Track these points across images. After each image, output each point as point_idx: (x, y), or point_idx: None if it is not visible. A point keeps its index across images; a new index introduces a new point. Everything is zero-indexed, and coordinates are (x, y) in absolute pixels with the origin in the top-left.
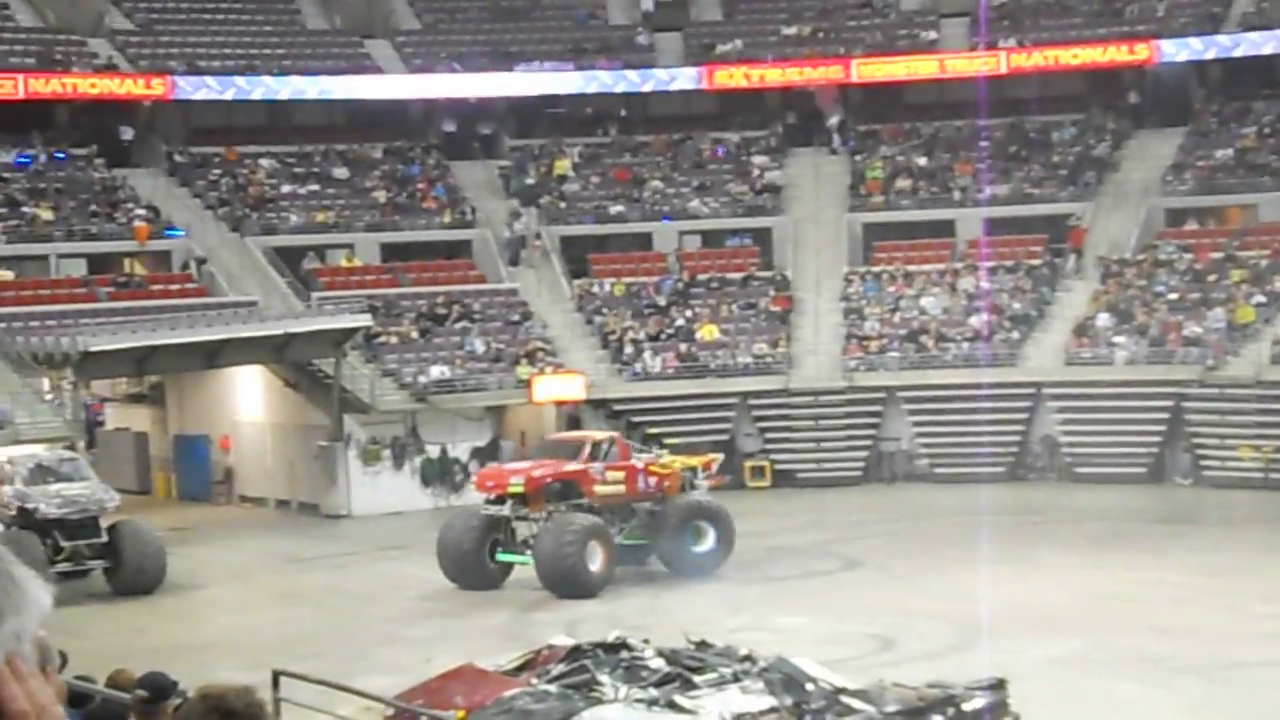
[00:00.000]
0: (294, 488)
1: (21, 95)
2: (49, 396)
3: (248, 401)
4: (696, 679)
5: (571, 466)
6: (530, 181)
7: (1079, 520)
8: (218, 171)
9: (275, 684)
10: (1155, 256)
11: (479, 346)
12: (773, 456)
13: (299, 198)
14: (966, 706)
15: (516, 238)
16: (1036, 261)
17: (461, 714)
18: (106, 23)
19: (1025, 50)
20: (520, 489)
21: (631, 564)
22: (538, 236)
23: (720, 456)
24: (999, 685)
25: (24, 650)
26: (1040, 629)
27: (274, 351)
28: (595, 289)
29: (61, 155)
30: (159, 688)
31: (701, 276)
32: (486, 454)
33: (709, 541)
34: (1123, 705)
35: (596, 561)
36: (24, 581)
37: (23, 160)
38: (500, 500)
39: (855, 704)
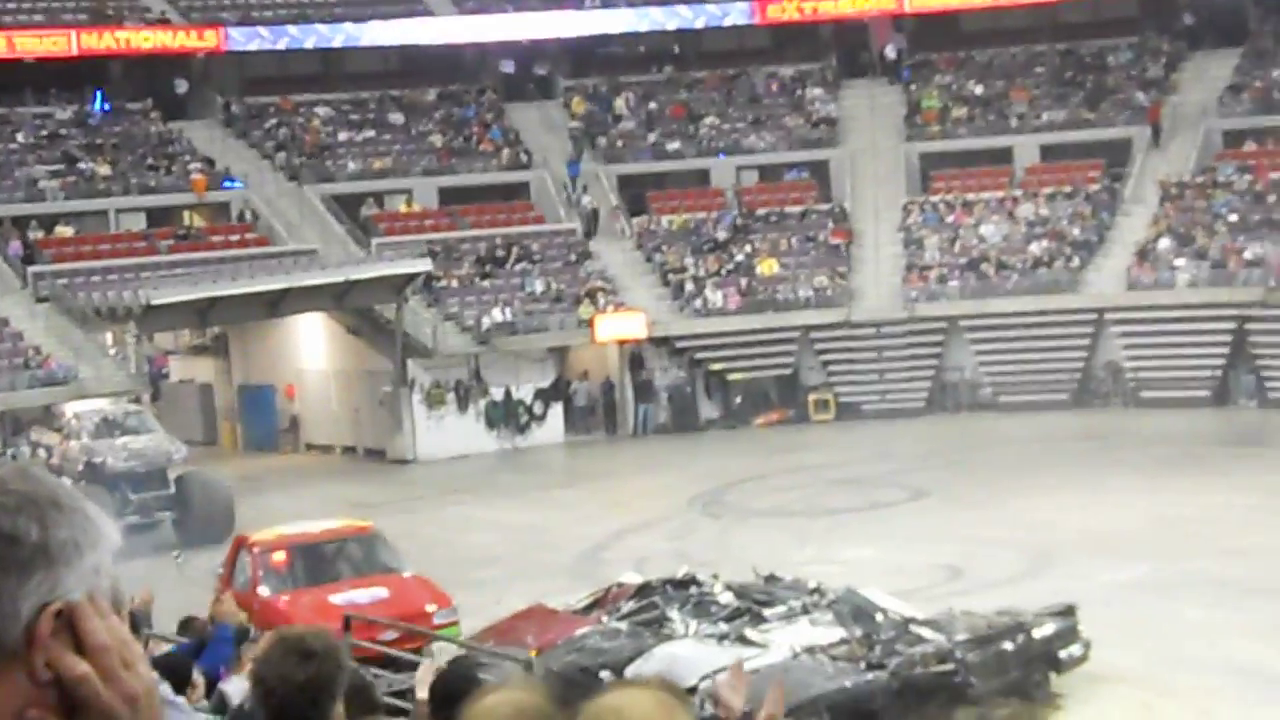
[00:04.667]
0: (359, 434)
1: (75, 51)
2: (112, 351)
3: (310, 349)
4: (766, 613)
5: None
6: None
7: (1145, 445)
8: (273, 121)
9: (347, 627)
10: (1214, 179)
11: (539, 287)
12: (836, 389)
13: (355, 145)
14: (1037, 633)
15: (590, 210)
16: (1095, 186)
17: (534, 653)
18: None
19: None
20: None
21: None
22: (615, 207)
23: None
24: (1069, 611)
25: (103, 585)
26: (1108, 554)
27: (335, 299)
28: (654, 226)
29: (108, 108)
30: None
31: (760, 211)
32: (551, 395)
33: None
34: (1193, 628)
35: None
36: (95, 516)
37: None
38: None
39: (925, 633)
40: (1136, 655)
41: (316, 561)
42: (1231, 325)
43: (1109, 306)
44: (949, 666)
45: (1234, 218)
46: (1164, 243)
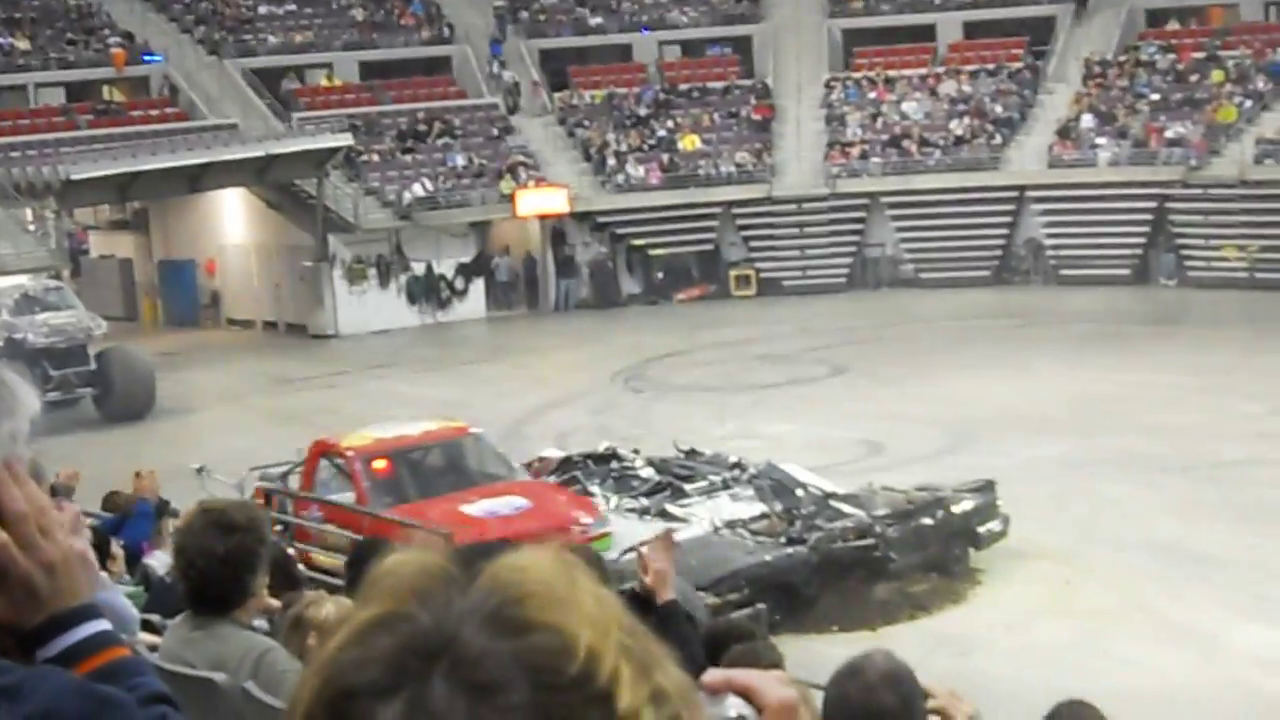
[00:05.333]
0: (280, 309)
1: None
2: (32, 226)
3: (232, 224)
4: (687, 487)
5: None
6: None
7: (1065, 323)
8: None
9: (268, 502)
10: (1137, 57)
11: (460, 162)
12: (757, 265)
13: (276, 18)
14: (956, 509)
15: (512, 85)
16: (1018, 64)
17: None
18: None
19: None
20: None
21: None
22: (536, 82)
23: None
24: (988, 487)
25: (19, 452)
26: (1028, 431)
27: (256, 174)
28: (576, 101)
29: None
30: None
31: (682, 86)
32: (473, 270)
33: None
34: (1111, 504)
35: None
36: (14, 384)
37: None
38: None
39: (845, 508)
40: (1056, 532)
41: (424, 469)
42: (1152, 204)
43: (1030, 184)
44: (869, 541)
45: (1156, 97)
46: (1086, 121)
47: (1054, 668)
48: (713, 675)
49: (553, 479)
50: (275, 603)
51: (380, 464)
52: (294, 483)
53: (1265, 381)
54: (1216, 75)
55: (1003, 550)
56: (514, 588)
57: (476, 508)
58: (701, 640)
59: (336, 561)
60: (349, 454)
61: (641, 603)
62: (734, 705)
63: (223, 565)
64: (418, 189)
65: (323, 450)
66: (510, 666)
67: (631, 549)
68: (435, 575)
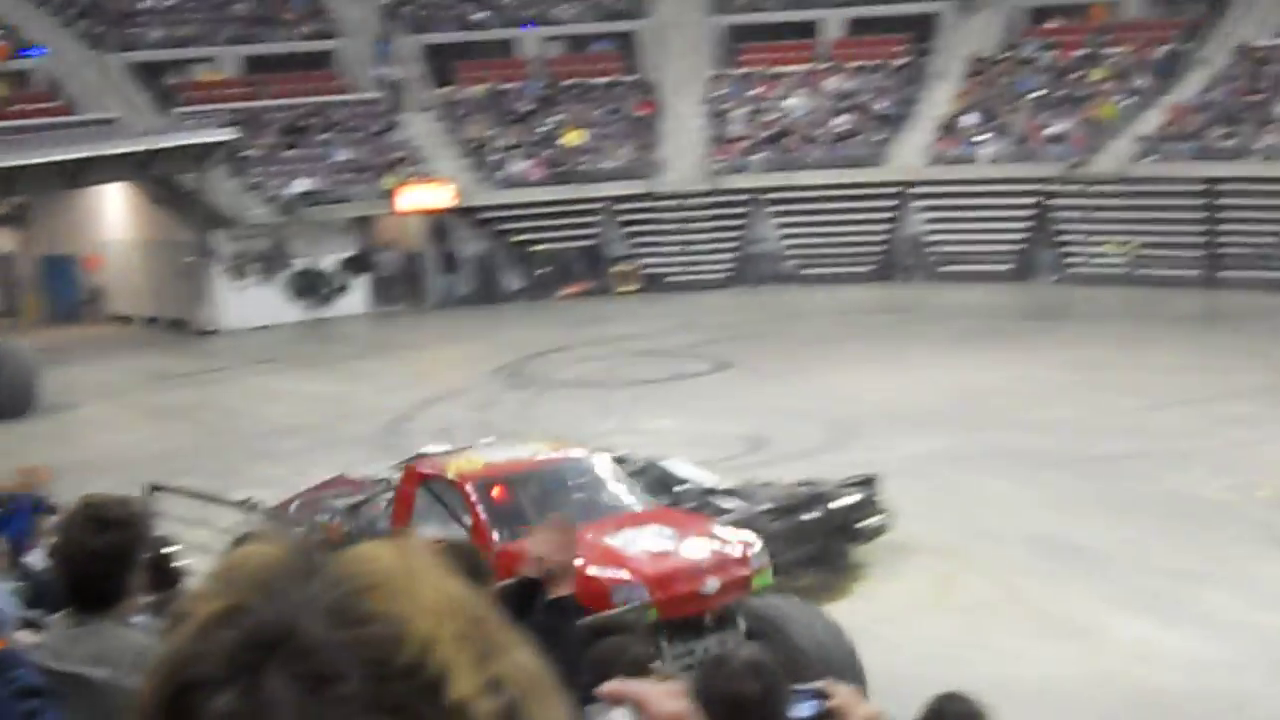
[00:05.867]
0: (162, 304)
1: None
2: None
3: (114, 220)
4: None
5: None
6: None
7: (947, 318)
8: None
9: (151, 498)
10: (1019, 55)
11: (343, 157)
12: (640, 261)
13: (158, 12)
14: (837, 504)
15: (395, 80)
16: (901, 61)
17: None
18: None
19: None
20: None
21: None
22: (420, 77)
23: None
24: (869, 482)
25: None
26: (910, 426)
27: (137, 168)
28: (459, 97)
29: None
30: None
31: (565, 82)
32: (355, 265)
33: None
34: (991, 499)
35: None
36: None
37: None
38: None
39: (727, 503)
40: (937, 527)
41: (545, 496)
42: (1033, 200)
43: (912, 180)
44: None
45: (1037, 94)
46: (967, 118)
47: (935, 661)
48: (609, 686)
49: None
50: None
51: (496, 492)
52: (357, 512)
53: (1144, 376)
54: (1097, 73)
55: (884, 545)
56: (354, 580)
57: (622, 541)
58: (583, 635)
59: None
60: (461, 482)
61: (530, 594)
62: (620, 715)
63: (99, 561)
64: (300, 184)
65: (421, 478)
66: (345, 657)
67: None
68: (278, 568)
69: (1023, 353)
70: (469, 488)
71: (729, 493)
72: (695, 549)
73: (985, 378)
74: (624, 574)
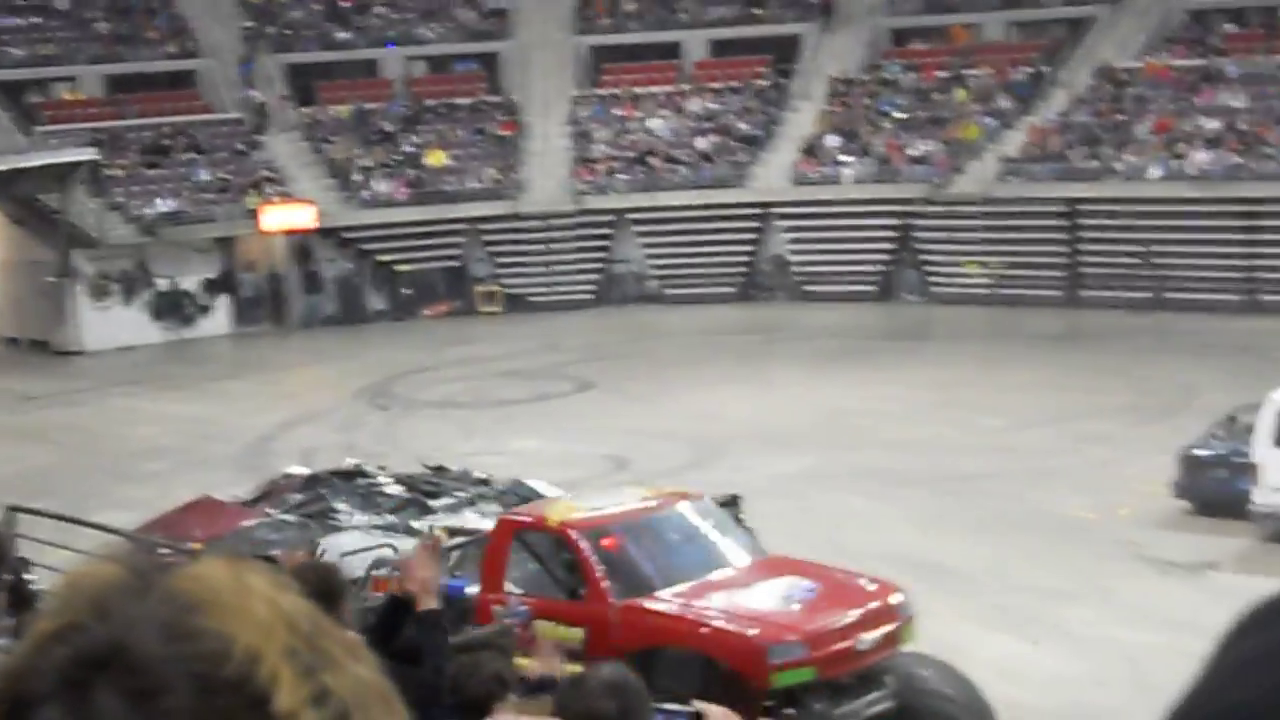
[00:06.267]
0: (24, 325)
1: None
2: None
3: None
4: (432, 503)
5: None
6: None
7: (810, 338)
8: None
9: (11, 520)
10: (881, 76)
11: (206, 177)
12: (504, 281)
13: (20, 30)
14: None
15: (259, 101)
16: (763, 82)
17: (199, 546)
18: None
19: None
20: None
21: None
22: (284, 97)
23: None
24: (733, 501)
25: None
26: (774, 445)
27: None
28: (322, 117)
29: None
30: None
31: (429, 102)
32: (218, 286)
33: None
34: (854, 518)
35: None
36: None
37: None
38: None
39: None
40: (801, 545)
41: (660, 545)
42: (895, 221)
43: (775, 201)
44: None
45: (900, 115)
46: (830, 139)
47: None
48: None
49: (296, 496)
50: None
51: (607, 543)
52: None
53: (1005, 396)
54: (960, 94)
55: None
56: (186, 596)
57: (766, 596)
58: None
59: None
60: (568, 532)
61: (402, 609)
62: None
63: None
64: (163, 204)
65: (514, 529)
66: (173, 672)
67: (376, 566)
68: (114, 587)
69: (886, 372)
70: (578, 538)
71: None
72: (843, 601)
73: (849, 397)
74: (786, 634)
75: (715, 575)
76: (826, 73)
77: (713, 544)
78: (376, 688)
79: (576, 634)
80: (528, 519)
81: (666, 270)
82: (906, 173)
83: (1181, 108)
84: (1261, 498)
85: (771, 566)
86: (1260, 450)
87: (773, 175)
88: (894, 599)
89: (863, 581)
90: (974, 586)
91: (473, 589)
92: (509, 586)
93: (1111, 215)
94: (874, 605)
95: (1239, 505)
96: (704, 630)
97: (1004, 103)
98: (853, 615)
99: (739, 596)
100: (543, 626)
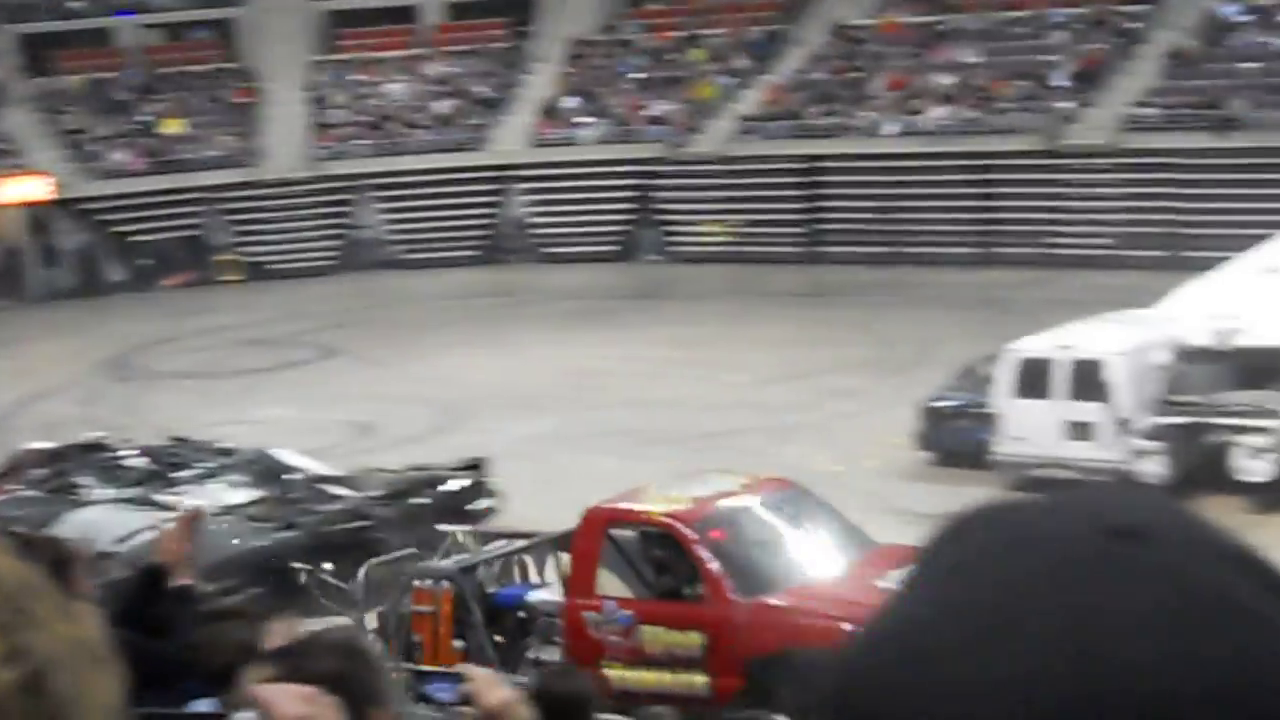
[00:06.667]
0: None
1: None
2: None
3: None
4: (176, 475)
5: None
6: None
7: (553, 300)
8: None
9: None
10: (618, 37)
11: None
12: (244, 250)
13: None
14: (448, 487)
15: None
16: (500, 45)
17: None
18: None
19: None
20: None
21: None
22: (17, 68)
23: None
24: (477, 465)
25: None
26: (519, 408)
27: None
28: (56, 87)
29: None
30: None
31: (165, 70)
32: None
33: None
34: (602, 478)
35: None
36: None
37: None
38: None
39: (338, 490)
40: (549, 507)
41: (775, 537)
42: (635, 182)
43: (514, 164)
44: (362, 522)
45: (637, 76)
46: (568, 101)
47: None
48: (250, 690)
49: (39, 471)
50: None
51: (717, 534)
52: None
53: (748, 353)
54: (696, 54)
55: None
56: None
57: (889, 586)
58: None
59: (677, 680)
60: (675, 525)
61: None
62: (250, 717)
63: None
64: None
65: (606, 522)
66: None
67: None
68: None
69: (629, 332)
70: (688, 531)
71: (339, 480)
72: None
73: (592, 358)
74: None
75: (836, 568)
76: (564, 34)
77: (824, 534)
78: (89, 648)
79: (694, 639)
80: (623, 511)
81: (408, 235)
82: (645, 133)
83: (916, 64)
84: (1002, 447)
85: (893, 556)
86: (1000, 400)
87: (511, 138)
88: None
89: None
90: None
91: (542, 595)
92: (605, 588)
93: (849, 172)
94: None
95: (980, 455)
96: (848, 627)
97: (741, 62)
98: None
99: (868, 589)
100: (648, 633)
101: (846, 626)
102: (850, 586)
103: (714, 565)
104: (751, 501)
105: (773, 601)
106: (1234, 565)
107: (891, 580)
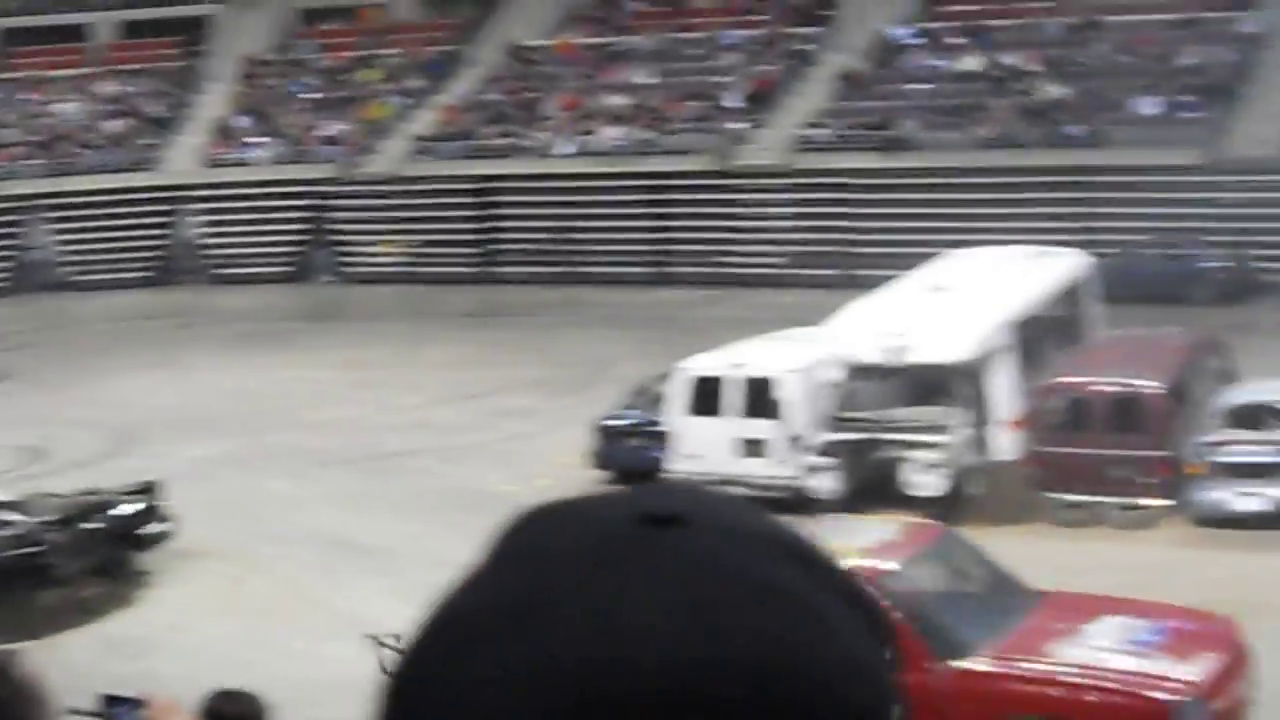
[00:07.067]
0: None
1: None
2: None
3: None
4: None
5: None
6: None
7: (225, 322)
8: None
9: None
10: (292, 56)
11: None
12: None
13: None
14: (119, 511)
15: None
16: (173, 64)
17: None
18: None
19: None
20: None
21: None
22: None
23: None
24: (150, 488)
25: None
26: (192, 430)
27: None
28: None
29: None
30: None
31: None
32: None
33: None
34: (275, 500)
35: None
36: None
37: None
38: None
39: (8, 516)
40: (223, 530)
41: (956, 591)
42: (308, 202)
43: (186, 184)
44: (33, 549)
45: (310, 96)
46: (241, 120)
47: (225, 664)
48: None
49: None
50: None
51: (906, 591)
52: None
53: (423, 374)
54: (370, 74)
55: (171, 551)
56: None
57: (1110, 644)
58: None
59: None
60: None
61: None
62: None
63: None
64: None
65: None
66: None
67: None
68: None
69: (301, 354)
70: (873, 587)
71: (10, 505)
72: (1199, 642)
73: (265, 380)
74: (1186, 691)
75: (1023, 623)
76: (237, 53)
77: (997, 585)
78: None
79: None
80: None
81: (79, 257)
82: (318, 153)
83: (590, 85)
84: (676, 465)
85: (1075, 605)
86: (673, 419)
87: (184, 158)
88: (1236, 632)
89: (1188, 614)
90: (398, 564)
91: None
92: None
93: (523, 192)
94: (1233, 641)
95: (654, 473)
96: (1089, 698)
97: (416, 82)
98: (1223, 659)
99: (1084, 649)
100: None
101: (1089, 695)
102: (1058, 643)
103: (910, 627)
104: (924, 550)
105: (981, 667)
106: (778, 553)
107: (1093, 634)
